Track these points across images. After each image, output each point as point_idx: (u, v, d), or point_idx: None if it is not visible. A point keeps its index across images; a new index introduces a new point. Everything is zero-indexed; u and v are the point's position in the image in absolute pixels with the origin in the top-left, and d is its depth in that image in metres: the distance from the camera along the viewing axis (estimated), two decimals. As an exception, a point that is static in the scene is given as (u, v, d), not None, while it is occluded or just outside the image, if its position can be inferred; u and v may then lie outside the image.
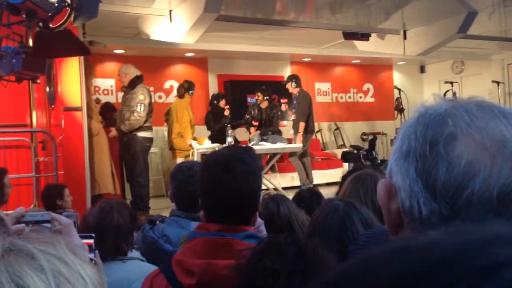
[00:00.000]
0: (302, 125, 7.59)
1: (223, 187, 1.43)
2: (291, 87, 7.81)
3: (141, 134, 6.28)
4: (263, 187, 7.18)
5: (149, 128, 6.37)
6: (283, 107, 7.89)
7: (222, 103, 7.96)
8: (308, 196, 2.91)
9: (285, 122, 9.29)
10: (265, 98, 8.03)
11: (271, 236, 1.07)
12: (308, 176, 7.80)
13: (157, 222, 2.49)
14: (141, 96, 6.17)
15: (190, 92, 7.33)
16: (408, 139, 0.65)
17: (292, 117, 7.84)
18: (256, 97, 8.07)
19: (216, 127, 7.83)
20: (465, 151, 0.60)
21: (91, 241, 1.33)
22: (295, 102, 7.80)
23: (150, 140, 6.46)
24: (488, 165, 0.59)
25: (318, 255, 1.00)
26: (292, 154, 7.70)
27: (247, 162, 1.47)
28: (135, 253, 2.18)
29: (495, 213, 0.58)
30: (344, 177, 2.64)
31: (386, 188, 0.68)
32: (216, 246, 1.41)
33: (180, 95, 7.38)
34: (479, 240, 0.30)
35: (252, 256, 1.02)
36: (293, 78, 7.87)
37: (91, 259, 1.31)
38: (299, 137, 7.57)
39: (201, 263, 1.38)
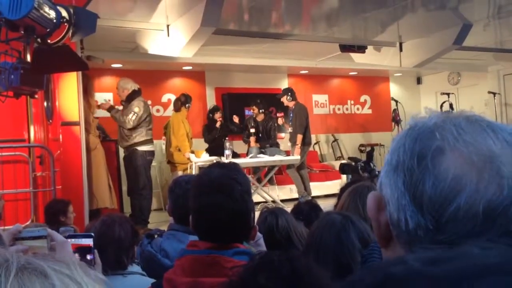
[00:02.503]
0: (299, 137, 7.62)
1: (224, 211, 1.43)
2: (286, 101, 7.87)
3: (142, 148, 6.31)
4: (262, 199, 7.22)
5: (149, 142, 6.41)
6: (280, 121, 7.96)
7: (216, 115, 8.09)
8: (306, 208, 2.91)
9: (283, 135, 9.32)
10: (260, 111, 8.09)
11: (264, 253, 1.07)
12: (306, 188, 7.81)
13: (155, 236, 2.48)
14: (136, 108, 6.23)
15: (187, 105, 7.34)
16: (397, 152, 0.66)
17: (289, 129, 7.87)
18: (252, 111, 8.15)
19: (207, 138, 8.03)
20: (452, 165, 0.60)
21: (90, 240, 1.34)
22: (291, 115, 7.85)
23: (151, 153, 6.50)
24: (474, 180, 0.59)
25: (312, 272, 1.00)
26: (289, 166, 7.72)
27: (241, 182, 1.47)
28: (135, 268, 2.18)
29: (480, 228, 0.58)
30: (342, 189, 2.64)
31: (375, 201, 0.69)
32: (204, 264, 1.40)
33: (177, 109, 7.40)
34: (456, 273, 0.30)
35: (245, 273, 1.01)
36: (288, 91, 7.93)
37: (90, 260, 1.32)
38: (297, 149, 7.60)
39: (188, 281, 1.38)
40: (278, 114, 8.01)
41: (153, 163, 7.67)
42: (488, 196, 0.59)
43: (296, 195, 7.94)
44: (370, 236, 1.51)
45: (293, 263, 0.97)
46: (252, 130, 7.91)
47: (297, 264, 0.97)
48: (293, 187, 8.06)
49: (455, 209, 0.59)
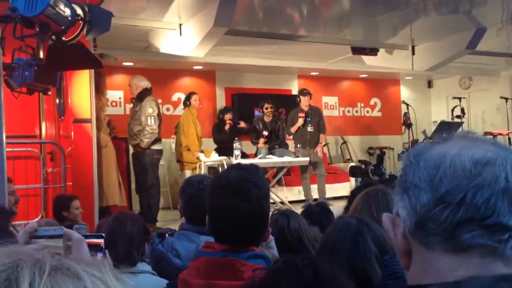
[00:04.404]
0: (323, 137, 7.89)
1: (239, 214, 1.42)
2: (307, 101, 7.79)
3: (150, 146, 6.31)
4: (270, 200, 7.20)
5: (158, 140, 6.40)
6: (301, 121, 7.77)
7: (226, 116, 8.01)
8: (317, 211, 2.90)
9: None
10: (274, 108, 8.06)
11: (288, 257, 1.07)
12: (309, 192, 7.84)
13: (167, 235, 2.48)
14: (149, 109, 6.21)
15: (187, 102, 7.32)
16: (402, 168, 0.78)
17: (309, 129, 7.79)
18: (269, 109, 7.98)
19: (217, 139, 7.99)
20: (439, 149, 0.73)
21: (101, 240, 1.34)
22: (310, 115, 7.77)
23: (159, 152, 6.48)
24: (456, 149, 0.72)
25: (336, 280, 0.99)
26: (305, 168, 7.72)
27: (259, 186, 1.46)
28: (146, 267, 2.18)
29: (470, 178, 0.68)
30: (353, 192, 2.63)
31: (390, 218, 0.78)
32: (219, 266, 1.40)
33: (184, 105, 7.45)
34: None
35: (268, 276, 1.00)
36: (310, 93, 7.90)
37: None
38: (320, 147, 7.81)
39: (202, 283, 1.38)
40: (300, 114, 7.85)
41: (162, 162, 7.69)
42: (471, 153, 0.70)
43: (303, 197, 7.92)
44: (386, 240, 1.50)
45: (316, 269, 0.96)
46: (265, 133, 7.85)
47: (320, 270, 0.96)
48: (302, 188, 8.00)
49: (444, 170, 0.70)
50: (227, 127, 7.89)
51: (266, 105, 7.98)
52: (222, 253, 1.41)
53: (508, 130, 9.58)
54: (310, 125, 7.75)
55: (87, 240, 1.31)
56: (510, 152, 0.71)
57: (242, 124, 8.16)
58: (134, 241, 2.12)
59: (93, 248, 1.33)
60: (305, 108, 7.80)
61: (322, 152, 7.79)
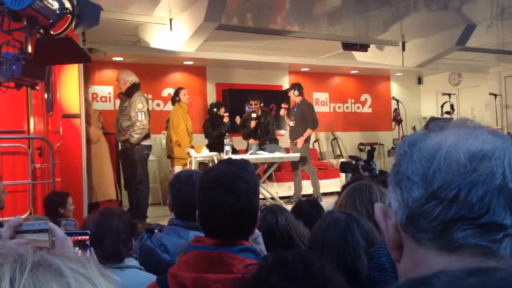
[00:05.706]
0: (309, 131, 7.78)
1: (226, 208, 1.43)
2: (293, 95, 7.89)
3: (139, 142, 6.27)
4: (261, 196, 7.20)
5: (147, 136, 6.35)
6: (282, 112, 7.94)
7: (221, 111, 7.97)
8: (308, 206, 2.90)
9: (282, 132, 9.30)
10: (261, 104, 8.07)
11: (279, 253, 1.06)
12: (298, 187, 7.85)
13: (155, 231, 2.47)
14: (139, 105, 6.17)
15: (177, 98, 7.28)
16: (395, 156, 0.74)
17: (291, 123, 7.85)
18: (253, 105, 7.99)
19: (214, 133, 7.85)
20: (435, 138, 0.70)
21: (87, 237, 1.32)
22: (295, 110, 7.85)
23: (149, 147, 6.43)
24: (452, 139, 0.68)
25: (326, 275, 0.99)
26: (296, 164, 7.72)
27: (248, 180, 1.46)
28: (133, 262, 2.18)
29: (465, 173, 0.64)
30: (344, 188, 2.64)
31: (381, 209, 0.74)
32: (209, 260, 1.41)
33: (173, 103, 7.41)
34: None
35: (258, 271, 1.00)
36: (297, 86, 7.95)
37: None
38: (301, 140, 7.66)
39: (193, 277, 1.38)
40: (282, 105, 7.98)
41: (152, 158, 7.65)
42: (467, 146, 0.66)
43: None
44: (375, 235, 1.50)
45: (307, 265, 0.96)
46: (254, 115, 7.86)
47: (311, 266, 0.96)
48: (292, 184, 8.02)
49: (438, 163, 0.66)
50: (226, 119, 7.83)
51: (251, 102, 8.02)
52: (212, 247, 1.42)
53: (497, 126, 9.65)
54: (292, 119, 7.84)
55: (73, 237, 1.30)
56: (509, 143, 0.67)
57: (237, 120, 8.18)
58: (121, 236, 2.11)
59: (79, 245, 1.32)
60: (293, 102, 7.91)
61: (301, 145, 7.67)
